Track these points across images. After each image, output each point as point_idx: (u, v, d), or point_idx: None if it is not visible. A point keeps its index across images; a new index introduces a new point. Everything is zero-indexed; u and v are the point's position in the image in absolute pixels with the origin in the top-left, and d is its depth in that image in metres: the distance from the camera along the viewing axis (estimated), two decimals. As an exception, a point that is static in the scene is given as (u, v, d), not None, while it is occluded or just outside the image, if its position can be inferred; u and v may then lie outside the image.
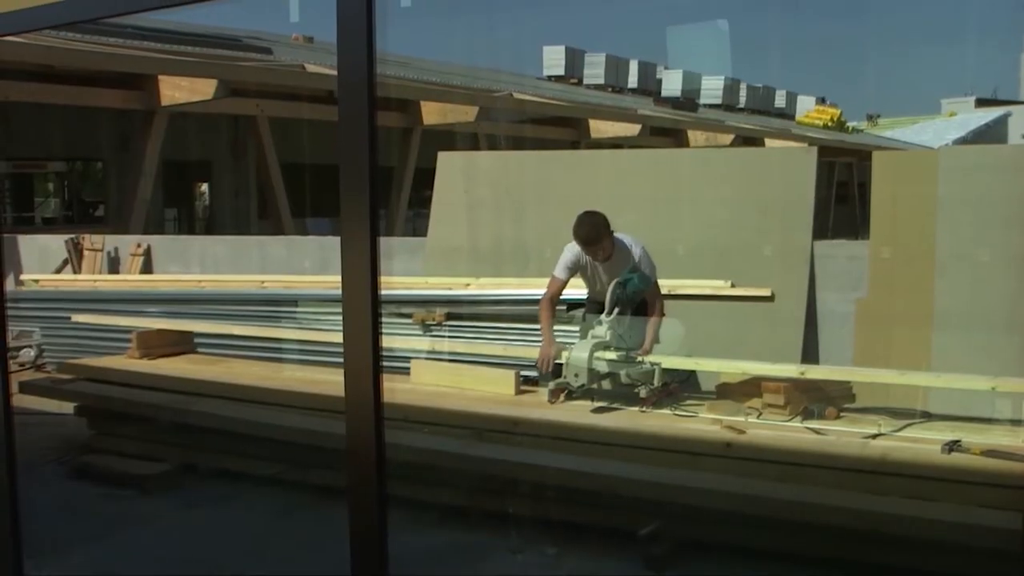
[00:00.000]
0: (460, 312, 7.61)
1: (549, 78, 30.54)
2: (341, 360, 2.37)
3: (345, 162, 2.28)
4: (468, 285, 8.01)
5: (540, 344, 5.84)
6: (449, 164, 8.94)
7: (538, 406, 5.49)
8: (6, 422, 3.29)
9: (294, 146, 14.96)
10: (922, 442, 4.50)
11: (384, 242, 2.31)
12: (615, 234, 5.76)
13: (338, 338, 2.36)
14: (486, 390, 5.78)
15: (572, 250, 5.82)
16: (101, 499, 5.65)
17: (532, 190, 8.38)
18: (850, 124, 41.16)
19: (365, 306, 2.27)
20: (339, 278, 2.34)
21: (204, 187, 21.28)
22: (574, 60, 31.55)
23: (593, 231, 5.67)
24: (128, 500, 5.62)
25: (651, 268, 5.77)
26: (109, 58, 13.91)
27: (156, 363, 6.79)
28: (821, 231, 8.13)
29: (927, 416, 5.11)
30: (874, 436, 4.63)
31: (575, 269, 5.87)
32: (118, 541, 5.03)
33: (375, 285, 2.26)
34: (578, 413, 5.31)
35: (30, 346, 9.16)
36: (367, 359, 2.28)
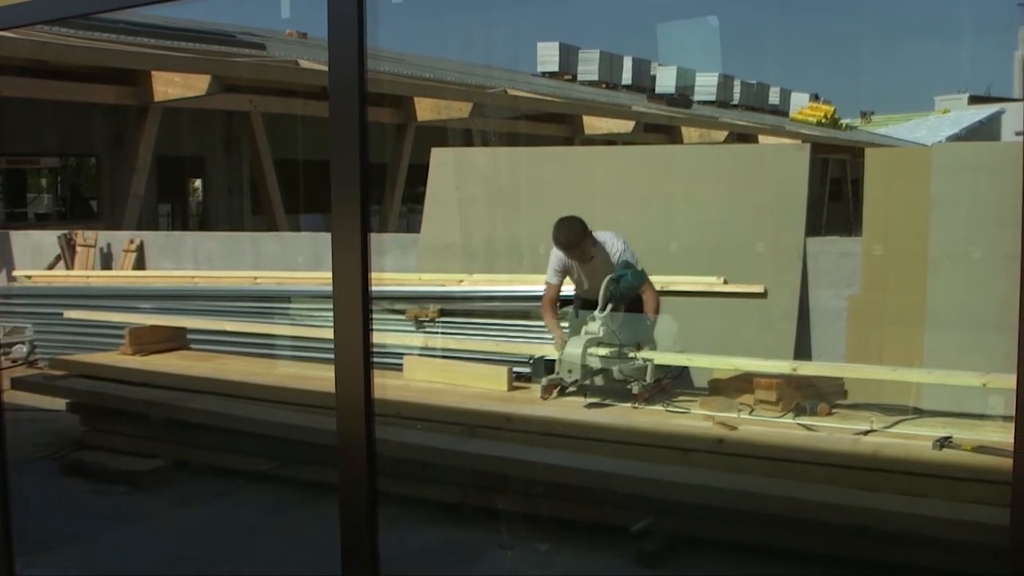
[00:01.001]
0: (453, 308, 7.62)
1: (543, 74, 30.51)
2: (333, 356, 2.36)
3: (336, 158, 2.28)
4: (461, 281, 8.01)
5: (552, 340, 5.94)
6: (442, 160, 8.93)
7: (531, 402, 5.50)
8: (-3, 418, 3.29)
9: (287, 142, 14.95)
10: (913, 438, 4.52)
11: (377, 238, 2.32)
12: (596, 232, 5.83)
13: (331, 334, 2.36)
14: (479, 386, 5.78)
15: (557, 254, 5.92)
16: (93, 495, 5.64)
17: (526, 186, 8.38)
18: (844, 121, 41.20)
19: (356, 302, 2.27)
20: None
21: (197, 183, 21.24)
22: (568, 56, 31.51)
23: (571, 236, 5.75)
24: (120, 496, 5.61)
25: (634, 260, 5.81)
26: (102, 54, 13.88)
27: (149, 359, 6.79)
28: (814, 228, 8.14)
29: (919, 412, 5.13)
30: (866, 432, 4.65)
31: (564, 272, 5.96)
32: (110, 538, 5.02)
33: (366, 281, 2.26)
34: (571, 409, 5.32)
35: (22, 342, 9.14)
36: (358, 355, 2.28)
